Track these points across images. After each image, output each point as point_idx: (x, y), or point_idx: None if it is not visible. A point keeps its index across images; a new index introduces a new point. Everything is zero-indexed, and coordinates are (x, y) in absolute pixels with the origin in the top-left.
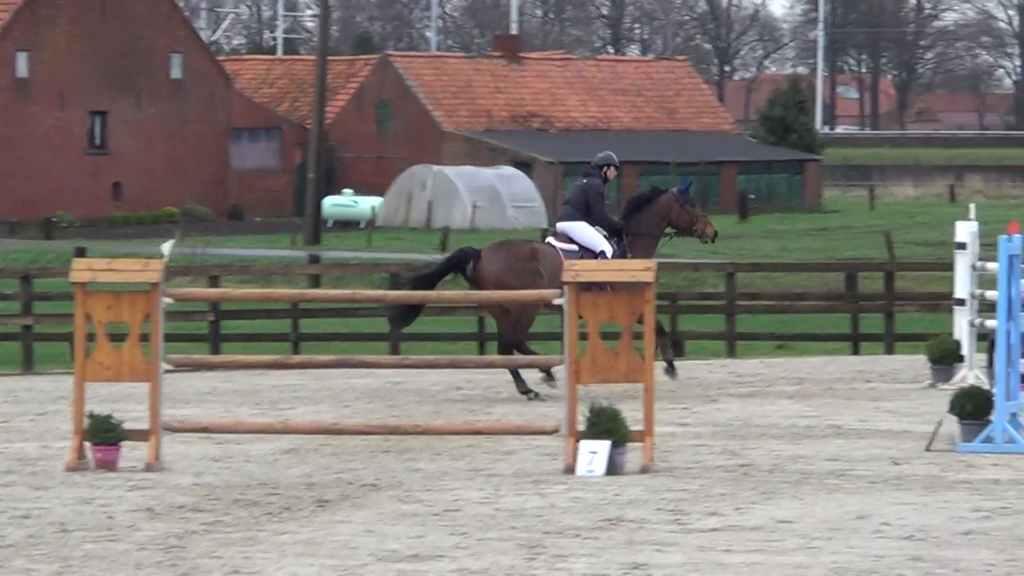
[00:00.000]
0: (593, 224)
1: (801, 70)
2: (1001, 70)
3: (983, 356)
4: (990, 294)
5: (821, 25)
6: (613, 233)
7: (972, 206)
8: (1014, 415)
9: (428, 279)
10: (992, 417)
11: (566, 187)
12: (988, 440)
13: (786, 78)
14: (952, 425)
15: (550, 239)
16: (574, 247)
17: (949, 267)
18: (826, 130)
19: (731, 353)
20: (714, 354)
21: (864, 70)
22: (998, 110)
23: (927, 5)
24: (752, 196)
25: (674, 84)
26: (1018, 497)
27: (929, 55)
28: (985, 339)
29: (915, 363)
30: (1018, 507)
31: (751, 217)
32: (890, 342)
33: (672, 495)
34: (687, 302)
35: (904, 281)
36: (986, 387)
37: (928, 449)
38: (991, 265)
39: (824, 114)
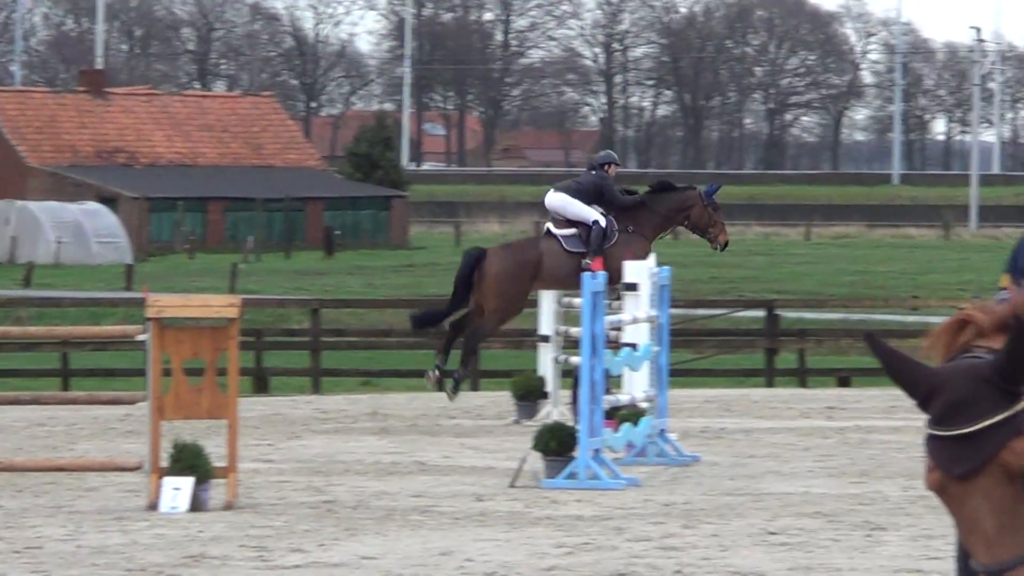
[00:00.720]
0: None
1: (388, 106)
2: (587, 107)
3: (568, 393)
4: (575, 331)
5: (407, 62)
6: (632, 203)
7: None
8: (598, 451)
9: (457, 296)
10: (576, 453)
11: (151, 223)
12: (572, 476)
13: (373, 114)
14: (536, 461)
15: (549, 225)
16: (573, 230)
17: (534, 304)
18: (413, 167)
19: (316, 389)
20: (299, 390)
21: (451, 107)
22: (584, 147)
23: (513, 43)
24: (338, 232)
25: (260, 120)
26: (600, 533)
27: (515, 92)
28: (570, 376)
29: (500, 399)
30: (600, 543)
31: (337, 253)
32: (475, 378)
33: (256, 532)
34: (272, 338)
35: None
36: (570, 423)
37: (512, 485)
38: (576, 301)
39: (411, 151)
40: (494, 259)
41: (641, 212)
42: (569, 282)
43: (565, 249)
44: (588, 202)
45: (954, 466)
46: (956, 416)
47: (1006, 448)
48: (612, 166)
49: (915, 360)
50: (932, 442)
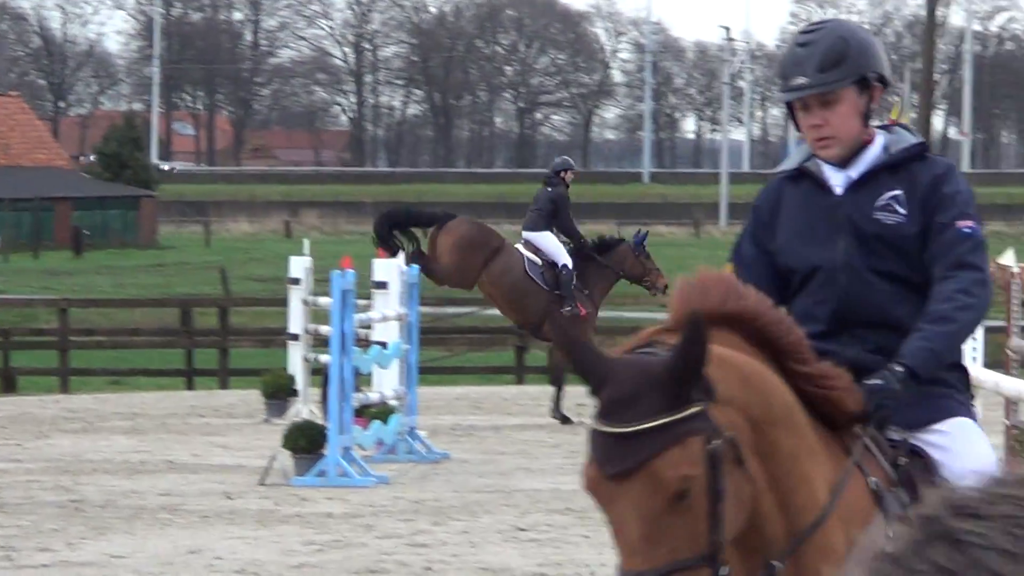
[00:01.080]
0: (557, 231)
1: (137, 106)
2: (337, 107)
3: (317, 391)
4: (324, 329)
5: (156, 61)
6: (576, 243)
7: (306, 241)
8: (347, 449)
9: (407, 216)
10: (326, 451)
11: None
12: (322, 474)
13: (122, 114)
14: (286, 459)
15: (519, 246)
16: (539, 260)
17: (283, 302)
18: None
19: (64, 389)
20: (47, 390)
21: (200, 107)
22: (334, 147)
23: (263, 42)
24: (87, 232)
25: (8, 120)
26: (350, 530)
27: (265, 92)
28: (319, 374)
29: (249, 398)
30: (350, 540)
31: (85, 253)
32: (224, 377)
33: (2, 531)
34: (20, 338)
35: (239, 316)
36: (320, 422)
37: (262, 483)
38: (324, 300)
39: (160, 150)
40: (462, 223)
41: (593, 272)
42: (507, 291)
43: (523, 267)
44: (548, 224)
45: (608, 465)
46: (619, 413)
47: (661, 456)
48: (569, 172)
49: (593, 347)
50: (592, 436)
